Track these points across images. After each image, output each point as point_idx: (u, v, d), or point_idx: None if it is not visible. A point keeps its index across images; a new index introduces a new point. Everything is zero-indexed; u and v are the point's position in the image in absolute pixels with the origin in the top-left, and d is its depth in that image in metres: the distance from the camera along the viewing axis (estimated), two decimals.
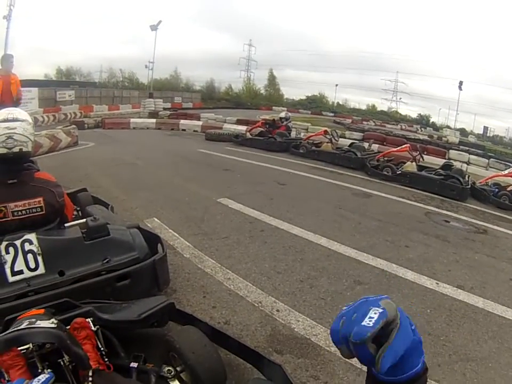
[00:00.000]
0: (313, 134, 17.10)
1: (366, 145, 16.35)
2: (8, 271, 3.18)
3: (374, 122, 58.74)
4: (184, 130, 23.25)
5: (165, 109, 38.77)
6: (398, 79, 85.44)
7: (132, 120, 25.04)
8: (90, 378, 2.19)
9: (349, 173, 12.40)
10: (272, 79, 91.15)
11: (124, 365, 2.67)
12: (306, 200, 8.48)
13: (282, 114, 18.71)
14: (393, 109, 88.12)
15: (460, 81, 60.60)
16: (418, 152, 13.17)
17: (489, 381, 3.29)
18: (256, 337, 3.48)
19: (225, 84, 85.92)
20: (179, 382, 2.62)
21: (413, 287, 4.84)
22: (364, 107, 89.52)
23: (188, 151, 14.46)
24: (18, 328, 2.05)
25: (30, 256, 3.28)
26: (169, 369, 2.61)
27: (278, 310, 4.05)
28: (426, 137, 40.61)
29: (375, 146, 18.89)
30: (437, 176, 11.29)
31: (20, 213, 3.43)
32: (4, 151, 3.32)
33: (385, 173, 12.18)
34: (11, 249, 3.22)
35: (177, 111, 36.22)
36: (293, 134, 18.35)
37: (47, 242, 3.38)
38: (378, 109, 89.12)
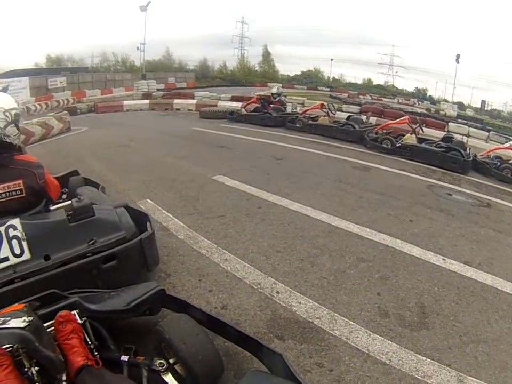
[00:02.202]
0: (310, 107, 16.79)
1: (364, 118, 15.99)
2: None
3: (370, 96, 58.24)
4: (178, 109, 23.11)
5: (158, 89, 38.74)
6: (393, 52, 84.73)
7: (125, 102, 24.90)
8: (64, 383, 2.17)
9: (347, 146, 12.19)
10: (266, 56, 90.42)
11: (114, 358, 2.57)
12: (305, 174, 8.23)
13: (274, 90, 18.28)
14: (389, 83, 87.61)
15: (457, 54, 59.90)
16: (417, 124, 12.91)
17: (502, 363, 3.12)
18: (255, 322, 3.27)
19: (219, 63, 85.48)
20: (172, 375, 2.49)
21: (419, 264, 4.63)
22: (359, 81, 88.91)
23: (182, 130, 14.26)
24: None
25: (14, 242, 3.22)
26: (161, 362, 2.50)
27: (278, 292, 3.85)
28: (424, 111, 40.35)
29: (373, 119, 18.60)
30: (438, 149, 11.04)
31: (1, 196, 3.32)
32: None
33: (385, 145, 11.94)
34: None
35: (170, 91, 36.12)
36: (289, 109, 18.10)
37: (31, 227, 3.32)
38: (375, 83, 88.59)
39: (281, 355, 2.41)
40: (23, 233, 3.25)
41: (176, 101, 24.71)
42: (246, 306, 3.57)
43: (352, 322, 3.41)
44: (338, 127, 13.82)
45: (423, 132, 13.44)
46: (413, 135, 12.15)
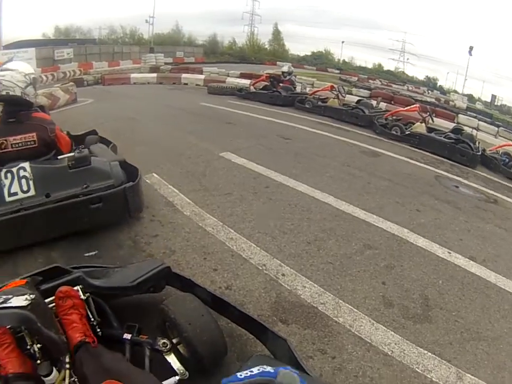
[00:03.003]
0: (319, 89, 16.57)
1: (374, 103, 15.81)
2: (5, 192, 4.03)
3: (380, 81, 57.60)
4: (186, 84, 22.92)
5: (166, 63, 38.42)
6: (405, 39, 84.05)
7: (132, 75, 24.74)
8: (67, 366, 2.17)
9: (356, 130, 12.06)
10: (277, 34, 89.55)
11: (117, 336, 2.60)
12: (313, 156, 8.13)
13: (285, 68, 17.90)
14: (400, 69, 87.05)
15: (470, 46, 59.30)
16: (428, 113, 12.68)
17: (500, 363, 3.13)
18: (260, 305, 3.25)
19: (228, 39, 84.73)
20: (175, 355, 2.47)
21: (424, 255, 4.60)
22: (370, 66, 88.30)
23: (190, 105, 14.11)
24: None
25: (23, 181, 4.12)
26: (164, 342, 2.49)
27: (283, 274, 3.83)
28: (433, 100, 40.02)
29: (382, 105, 18.34)
30: (447, 140, 10.91)
31: (17, 145, 4.23)
32: None
33: (394, 132, 11.80)
34: (9, 175, 4.07)
35: (178, 66, 35.87)
36: (299, 89, 17.85)
37: (38, 170, 4.19)
38: (385, 68, 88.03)
39: (286, 340, 2.41)
40: (31, 174, 4.14)
41: (184, 75, 24.45)
42: (251, 287, 3.55)
43: (356, 310, 3.40)
44: (348, 110, 13.61)
45: (433, 121, 13.20)
46: (423, 124, 11.96)
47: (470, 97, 60.30)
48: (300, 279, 3.77)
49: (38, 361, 2.11)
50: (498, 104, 64.31)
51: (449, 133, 11.49)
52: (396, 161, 9.02)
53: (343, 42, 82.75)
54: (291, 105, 15.13)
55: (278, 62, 64.34)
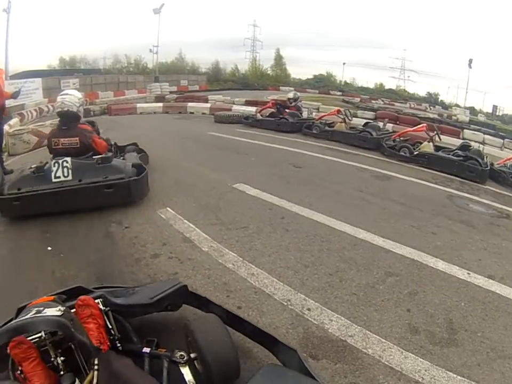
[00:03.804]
0: (326, 113, 16.57)
1: (380, 124, 15.79)
2: (53, 175, 6.18)
3: (382, 101, 57.79)
4: (192, 113, 22.99)
5: (171, 92, 38.69)
6: (405, 56, 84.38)
7: (138, 105, 24.85)
8: (96, 367, 2.31)
9: (364, 154, 12.05)
10: (278, 59, 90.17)
11: (136, 349, 2.77)
12: (325, 183, 8.15)
13: (291, 95, 17.93)
14: (401, 87, 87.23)
15: (470, 59, 59.27)
16: (435, 132, 12.69)
17: None
18: (288, 341, 3.16)
19: (231, 65, 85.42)
20: (190, 369, 2.60)
21: (444, 278, 4.58)
22: (371, 86, 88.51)
23: (198, 134, 14.20)
24: (24, 317, 2.21)
25: (65, 169, 6.24)
26: (181, 354, 2.63)
27: (309, 309, 3.81)
28: (436, 116, 40.03)
29: (389, 126, 18.25)
30: (455, 158, 10.87)
31: (65, 145, 6.53)
32: (59, 109, 6.69)
33: (403, 153, 11.78)
34: (56, 164, 6.23)
35: (183, 94, 35.99)
36: (305, 114, 17.80)
37: (76, 163, 6.31)
38: (386, 87, 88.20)
39: (296, 351, 2.60)
40: (71, 166, 6.25)
41: (190, 104, 24.62)
42: (278, 324, 3.54)
43: (384, 340, 3.38)
44: (356, 133, 13.67)
45: (440, 139, 13.19)
46: (430, 143, 11.99)
47: (472, 110, 60.28)
48: (326, 313, 3.76)
49: (61, 373, 2.29)
50: (500, 114, 64.31)
51: (457, 150, 11.40)
52: (407, 184, 9.01)
53: (344, 63, 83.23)
54: (298, 131, 15.22)
55: (281, 87, 64.91)
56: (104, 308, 2.79)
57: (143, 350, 2.71)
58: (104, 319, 2.71)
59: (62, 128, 6.70)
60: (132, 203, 6.44)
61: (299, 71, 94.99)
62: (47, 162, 6.42)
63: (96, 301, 2.75)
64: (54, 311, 2.26)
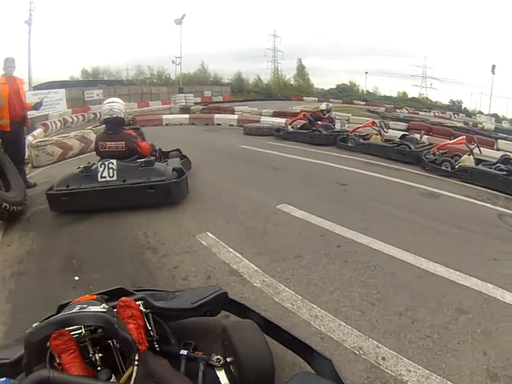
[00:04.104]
0: (361, 125, 16.05)
1: (417, 136, 15.06)
2: (99, 175, 6.68)
3: (406, 109, 57.23)
4: (219, 124, 22.63)
5: (195, 103, 38.51)
6: (426, 64, 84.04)
7: (164, 116, 24.70)
8: (136, 362, 2.29)
9: (405, 168, 11.42)
10: (301, 69, 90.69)
11: (174, 351, 2.78)
12: (374, 203, 7.53)
13: (323, 106, 17.37)
14: (423, 95, 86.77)
15: (493, 65, 58.51)
16: (475, 144, 12.02)
17: None
18: None
19: (253, 76, 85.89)
20: (226, 372, 2.62)
21: None
22: (394, 94, 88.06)
23: (229, 148, 13.72)
24: (70, 311, 2.27)
25: (111, 170, 6.71)
26: (218, 358, 2.65)
27: (383, 358, 3.23)
28: (462, 124, 39.38)
29: (424, 138, 17.66)
30: (499, 172, 10.19)
31: (112, 147, 7.09)
32: (107, 116, 7.16)
33: (444, 168, 11.11)
34: (103, 166, 6.72)
35: (208, 105, 35.92)
36: (338, 126, 17.25)
37: (121, 165, 6.78)
38: (409, 95, 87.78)
39: (331, 360, 2.54)
40: (116, 167, 6.73)
41: (216, 115, 24.31)
42: (352, 377, 3.00)
43: None
44: (394, 147, 13.03)
45: (480, 152, 12.48)
46: (470, 156, 11.32)
47: (496, 117, 59.44)
48: (402, 362, 3.19)
49: (99, 368, 2.31)
50: None
51: (499, 164, 10.74)
52: (456, 202, 8.37)
53: (366, 73, 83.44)
54: (332, 144, 14.66)
55: (304, 97, 64.81)
56: (145, 310, 2.85)
57: (180, 352, 2.73)
58: (144, 321, 2.76)
59: (108, 132, 7.32)
60: (172, 223, 6.26)
61: (321, 80, 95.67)
62: (94, 164, 7.07)
63: (137, 302, 2.82)
64: (98, 308, 2.33)
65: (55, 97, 32.86)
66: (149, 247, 5.33)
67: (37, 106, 9.43)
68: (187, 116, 25.14)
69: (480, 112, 66.65)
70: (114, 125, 7.27)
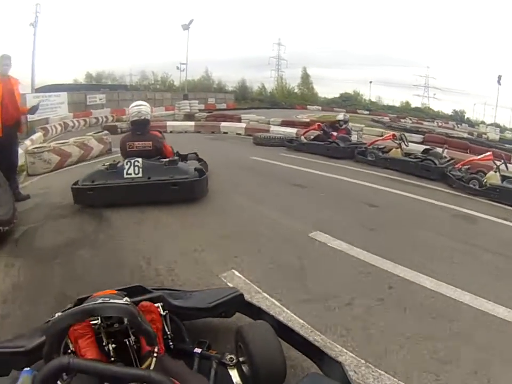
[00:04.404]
0: (380, 138, 15.45)
1: (439, 150, 14.27)
2: (124, 172, 7.35)
3: (410, 119, 57.11)
4: (225, 133, 22.07)
5: (200, 110, 38.25)
6: (428, 74, 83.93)
7: (168, 123, 24.04)
8: (155, 354, 2.33)
9: (430, 186, 10.72)
10: (305, 78, 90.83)
11: (188, 349, 2.85)
12: (413, 231, 6.71)
13: (341, 116, 16.55)
14: (426, 105, 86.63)
15: (499, 75, 58.35)
16: (502, 161, 11.32)
17: None
18: None
19: (257, 84, 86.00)
20: (238, 371, 2.66)
21: None
22: (397, 104, 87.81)
23: (240, 160, 12.99)
24: (95, 302, 2.25)
25: (136, 168, 7.37)
26: (231, 357, 2.70)
27: None
28: (467, 135, 38.98)
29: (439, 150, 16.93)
30: None
31: (139, 147, 7.74)
32: (136, 118, 7.79)
33: (472, 185, 10.41)
34: (129, 164, 7.40)
35: (211, 112, 35.68)
36: (354, 137, 16.56)
37: (146, 163, 7.43)
38: (412, 105, 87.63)
39: (341, 363, 2.57)
40: (142, 165, 7.37)
41: (223, 123, 23.77)
42: None
43: None
44: (418, 162, 12.25)
45: (507, 169, 11.67)
46: (497, 173, 10.65)
47: (499, 127, 59.41)
48: None
49: (112, 359, 2.37)
50: None
51: None
52: (495, 226, 7.59)
53: (370, 82, 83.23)
54: (349, 157, 13.92)
55: (308, 106, 64.67)
56: (164, 312, 2.86)
57: (194, 350, 2.80)
58: (162, 324, 2.78)
59: (136, 133, 7.93)
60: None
61: (324, 90, 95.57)
62: (119, 161, 7.75)
63: (156, 305, 2.85)
64: (121, 301, 2.32)
65: (56, 100, 32.34)
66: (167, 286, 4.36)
67: (32, 111, 9.03)
68: (192, 123, 24.63)
69: (483, 122, 66.74)
70: (142, 126, 7.90)
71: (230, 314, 3.38)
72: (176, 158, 8.03)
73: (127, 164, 7.42)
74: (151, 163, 7.52)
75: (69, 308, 2.50)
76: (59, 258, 5.29)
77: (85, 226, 6.54)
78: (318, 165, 12.32)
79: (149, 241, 5.70)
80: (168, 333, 2.81)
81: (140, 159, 7.43)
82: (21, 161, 11.59)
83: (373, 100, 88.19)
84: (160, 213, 6.96)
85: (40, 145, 13.89)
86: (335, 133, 15.41)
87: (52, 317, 2.41)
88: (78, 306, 2.28)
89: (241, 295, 3.36)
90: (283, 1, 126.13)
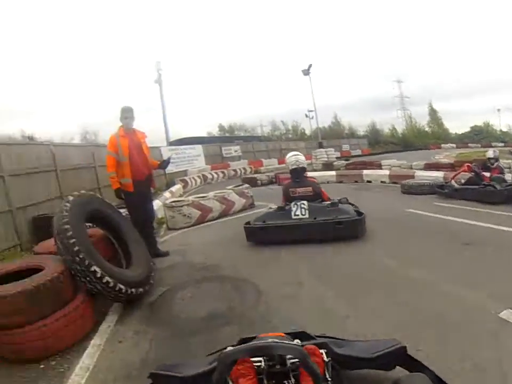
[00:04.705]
0: None
1: None
2: (292, 213, 8.79)
3: None
4: (369, 181, 21.57)
5: (337, 158, 38.13)
6: None
7: (308, 174, 23.43)
8: None
9: None
10: (433, 114, 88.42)
11: None
12: None
13: (490, 154, 15.04)
14: None
15: None
16: None
17: None
18: None
19: (387, 126, 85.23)
20: None
21: None
22: None
23: (391, 212, 12.10)
24: (266, 341, 2.50)
25: (303, 209, 8.73)
26: None
27: None
28: None
29: None
30: None
31: (301, 193, 9.17)
32: (295, 166, 9.50)
33: None
34: (295, 206, 8.82)
35: (349, 160, 35.41)
36: (507, 177, 14.53)
37: (311, 206, 8.81)
38: None
39: None
40: (307, 207, 8.75)
41: (365, 171, 23.25)
42: None
43: None
44: None
45: None
46: None
47: None
48: None
49: None
50: None
51: None
52: None
53: (498, 110, 79.00)
54: (507, 201, 12.10)
55: (442, 145, 62.81)
56: (327, 359, 2.89)
57: None
58: (324, 370, 2.77)
59: (296, 180, 9.42)
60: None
61: (452, 124, 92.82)
62: (287, 204, 9.03)
63: (320, 350, 2.87)
64: (292, 343, 2.60)
65: (192, 153, 35.12)
66: None
67: (163, 165, 9.04)
68: (333, 172, 24.72)
69: None
70: (300, 174, 9.47)
71: (389, 367, 3.27)
72: (336, 200, 9.01)
73: (294, 206, 8.77)
74: (315, 205, 8.86)
75: (235, 345, 2.76)
76: (199, 335, 4.80)
77: (233, 295, 6.05)
78: (479, 214, 10.75)
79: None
80: (329, 379, 2.81)
81: (305, 202, 8.79)
82: (160, 214, 11.85)
83: (504, 129, 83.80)
84: (317, 287, 6.24)
85: (179, 199, 14.32)
86: (487, 174, 14.11)
87: (224, 349, 2.67)
88: (253, 343, 2.59)
89: (404, 347, 3.23)
90: (398, 38, 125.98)
